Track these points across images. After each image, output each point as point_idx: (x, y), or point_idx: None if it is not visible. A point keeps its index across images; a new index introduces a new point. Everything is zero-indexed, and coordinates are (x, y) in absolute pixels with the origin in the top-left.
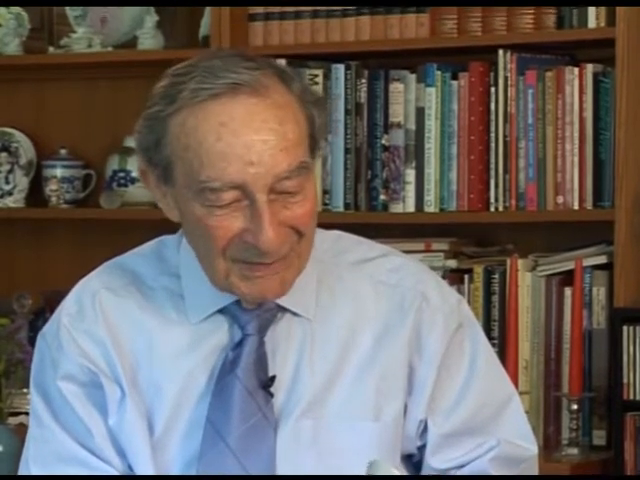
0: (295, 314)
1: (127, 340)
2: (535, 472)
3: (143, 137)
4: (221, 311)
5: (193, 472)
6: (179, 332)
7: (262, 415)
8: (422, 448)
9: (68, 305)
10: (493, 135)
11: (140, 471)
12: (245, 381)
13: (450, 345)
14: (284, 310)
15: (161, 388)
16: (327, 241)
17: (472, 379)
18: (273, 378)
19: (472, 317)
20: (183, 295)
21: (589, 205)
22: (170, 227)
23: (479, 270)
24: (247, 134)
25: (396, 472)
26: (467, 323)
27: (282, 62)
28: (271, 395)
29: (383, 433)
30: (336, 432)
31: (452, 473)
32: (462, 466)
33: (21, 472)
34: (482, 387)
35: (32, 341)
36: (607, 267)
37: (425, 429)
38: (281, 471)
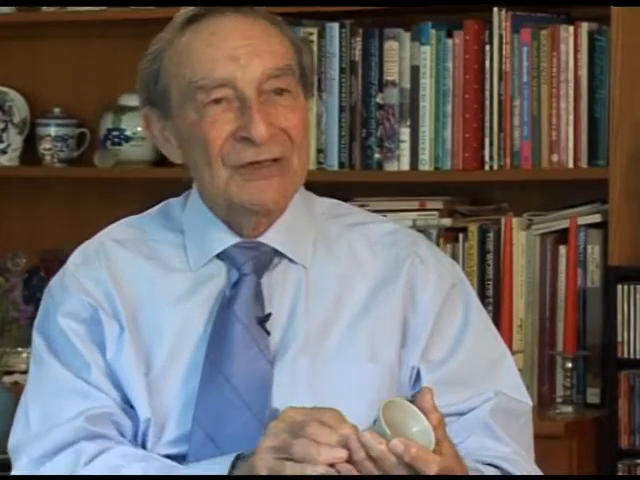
0: (291, 261)
1: (129, 284)
2: (532, 426)
3: (142, 78)
4: (220, 258)
5: (192, 409)
6: (180, 278)
7: (259, 350)
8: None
9: (75, 256)
10: (488, 93)
11: (136, 403)
12: (242, 316)
13: (444, 303)
14: (281, 256)
15: (161, 328)
16: (324, 206)
17: (465, 334)
18: (269, 315)
19: (466, 280)
20: (186, 247)
21: (584, 163)
22: (164, 186)
23: (474, 229)
24: (235, 40)
25: (413, 407)
26: (460, 284)
27: None
28: (267, 332)
29: (378, 375)
30: (332, 371)
31: (450, 421)
32: (461, 415)
33: (18, 415)
34: (474, 342)
35: (26, 300)
36: (602, 225)
37: (418, 378)
38: (277, 407)
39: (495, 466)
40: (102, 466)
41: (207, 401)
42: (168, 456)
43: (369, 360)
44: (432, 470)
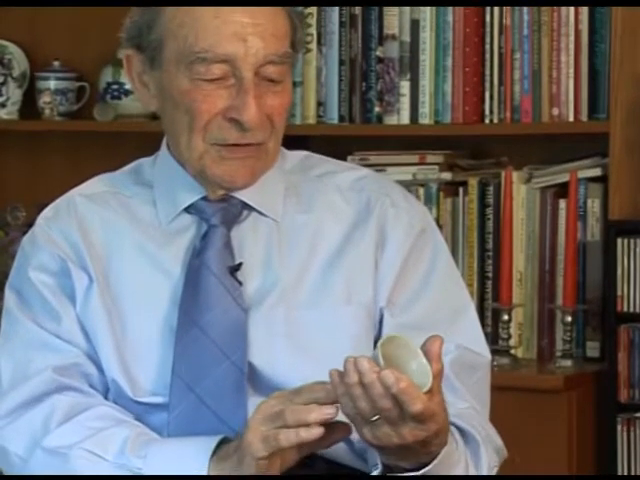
0: (261, 214)
1: (98, 238)
2: (489, 380)
3: (136, 21)
4: (189, 212)
5: (169, 360)
6: (151, 233)
7: (232, 299)
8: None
9: (46, 211)
10: (488, 47)
11: (103, 354)
12: (213, 267)
13: (412, 247)
14: (250, 209)
15: (132, 282)
16: (294, 159)
17: (430, 281)
18: (240, 265)
19: (436, 228)
20: (155, 203)
21: (584, 117)
22: (163, 139)
23: (474, 182)
24: (243, 16)
25: (416, 346)
26: (431, 230)
27: None
28: (239, 282)
29: (356, 316)
30: (309, 317)
31: None
32: None
33: None
34: (439, 290)
35: None
36: (602, 179)
37: (382, 321)
38: (255, 359)
39: (452, 424)
40: (79, 427)
41: (184, 352)
42: (148, 404)
43: (346, 302)
44: (416, 407)
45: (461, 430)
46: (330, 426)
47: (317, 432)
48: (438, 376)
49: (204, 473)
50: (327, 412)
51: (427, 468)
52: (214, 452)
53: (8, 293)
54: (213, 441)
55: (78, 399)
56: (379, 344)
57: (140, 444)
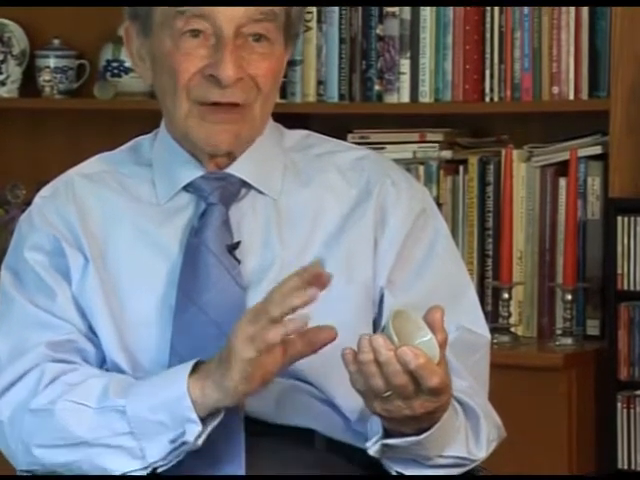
0: (260, 192)
1: (96, 217)
2: (488, 360)
3: None
4: (188, 190)
5: (167, 339)
6: (149, 212)
7: (231, 277)
8: (379, 319)
9: (43, 190)
10: (488, 25)
11: (101, 332)
12: (211, 246)
13: (413, 227)
14: (248, 187)
15: (130, 261)
16: (294, 138)
17: (430, 261)
18: (238, 243)
19: (436, 208)
20: (154, 181)
21: (584, 95)
22: (162, 118)
23: (474, 161)
24: None
25: (420, 319)
26: (431, 211)
27: None
28: (238, 261)
29: (356, 294)
30: None
31: None
32: None
33: None
34: (439, 270)
35: None
36: (602, 157)
37: (382, 302)
38: None
39: (454, 398)
40: (62, 384)
41: (183, 331)
42: None
43: (345, 282)
44: (433, 381)
45: (461, 403)
46: (315, 330)
47: (303, 322)
48: (443, 346)
49: (184, 394)
50: (313, 293)
51: (428, 433)
52: (193, 372)
53: (4, 273)
54: (190, 364)
55: (70, 367)
56: (389, 320)
57: (122, 386)
